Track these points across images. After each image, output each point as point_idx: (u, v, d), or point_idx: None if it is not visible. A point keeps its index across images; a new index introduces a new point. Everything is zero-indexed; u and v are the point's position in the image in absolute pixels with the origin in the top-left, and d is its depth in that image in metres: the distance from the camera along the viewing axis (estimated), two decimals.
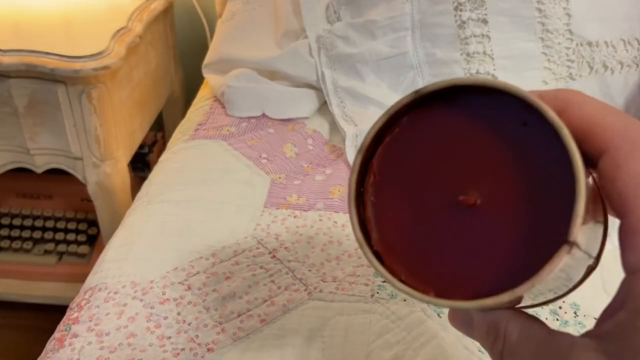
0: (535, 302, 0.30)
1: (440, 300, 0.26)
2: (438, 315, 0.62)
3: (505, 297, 0.25)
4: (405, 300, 0.65)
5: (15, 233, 1.27)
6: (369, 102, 0.92)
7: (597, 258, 0.30)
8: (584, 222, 0.25)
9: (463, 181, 0.28)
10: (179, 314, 0.63)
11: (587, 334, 0.26)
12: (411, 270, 0.28)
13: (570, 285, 0.30)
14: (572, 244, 0.24)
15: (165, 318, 0.62)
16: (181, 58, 1.39)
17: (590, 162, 0.27)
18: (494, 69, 0.87)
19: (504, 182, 0.27)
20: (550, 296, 0.30)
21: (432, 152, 0.29)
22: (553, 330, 0.27)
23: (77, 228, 1.27)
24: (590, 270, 0.30)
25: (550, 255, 0.24)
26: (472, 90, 0.28)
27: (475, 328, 0.30)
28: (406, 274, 0.28)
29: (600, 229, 0.29)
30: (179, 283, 0.66)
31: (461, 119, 0.28)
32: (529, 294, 0.25)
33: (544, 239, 0.25)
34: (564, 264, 0.25)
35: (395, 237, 0.29)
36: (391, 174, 0.30)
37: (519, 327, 0.28)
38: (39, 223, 1.28)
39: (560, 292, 0.30)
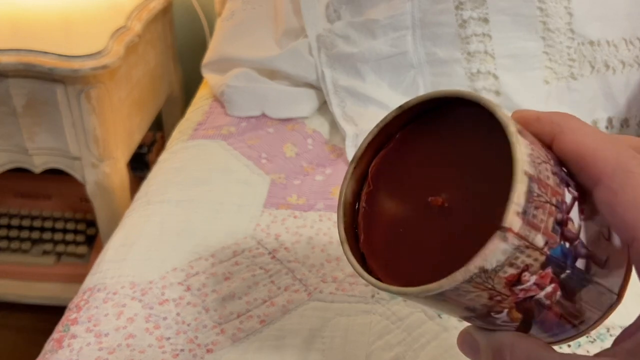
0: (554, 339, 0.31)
1: (393, 287, 0.28)
2: (439, 316, 0.62)
3: (444, 282, 0.26)
4: (405, 300, 0.64)
5: (13, 233, 1.27)
6: (369, 101, 0.92)
7: (619, 295, 0.31)
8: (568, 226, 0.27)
9: (437, 186, 0.30)
10: (178, 314, 0.63)
11: (603, 354, 0.26)
12: (386, 268, 0.30)
13: (593, 320, 0.31)
14: (507, 230, 0.25)
15: (165, 319, 0.62)
16: (180, 57, 1.39)
17: (586, 193, 0.28)
18: (495, 68, 0.87)
19: (468, 184, 0.29)
20: (573, 332, 0.31)
21: (417, 162, 0.32)
22: (563, 354, 0.27)
23: (76, 228, 1.27)
24: (611, 306, 0.31)
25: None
26: (454, 101, 0.30)
27: (481, 354, 0.30)
28: (382, 271, 0.30)
29: (622, 266, 0.30)
30: (178, 283, 0.66)
31: (444, 130, 0.31)
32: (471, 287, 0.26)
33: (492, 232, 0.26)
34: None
35: (378, 239, 0.32)
36: (383, 184, 0.33)
37: (525, 353, 0.28)
38: (37, 223, 1.27)
39: (583, 328, 0.31)
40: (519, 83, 0.86)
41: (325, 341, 0.60)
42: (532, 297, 0.28)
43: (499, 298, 0.27)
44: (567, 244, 0.28)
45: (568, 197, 0.28)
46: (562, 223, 0.28)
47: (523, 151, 0.26)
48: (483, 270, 0.25)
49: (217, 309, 0.63)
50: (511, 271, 0.26)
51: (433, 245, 0.29)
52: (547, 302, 0.28)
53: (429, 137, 0.32)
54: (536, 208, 0.26)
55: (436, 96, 0.30)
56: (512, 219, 0.25)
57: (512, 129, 0.27)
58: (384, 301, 0.64)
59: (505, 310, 0.28)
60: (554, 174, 0.27)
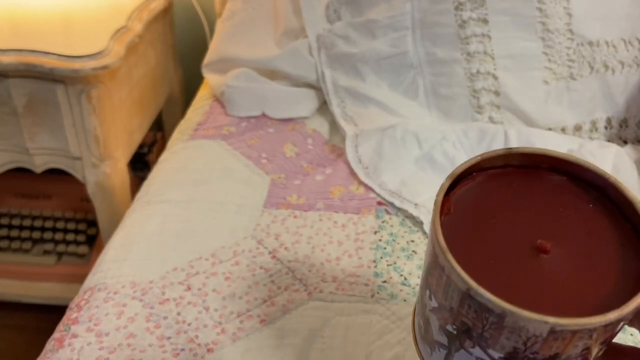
0: None
1: (550, 318, 0.27)
2: None
3: (595, 320, 0.27)
4: (405, 300, 0.65)
5: (14, 233, 1.27)
6: (369, 101, 0.92)
7: None
8: None
9: (535, 232, 0.31)
10: (178, 314, 0.63)
11: None
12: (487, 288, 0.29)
13: None
14: None
15: (165, 318, 0.62)
16: (181, 57, 1.39)
17: None
18: (495, 69, 0.87)
19: (575, 238, 0.31)
20: None
21: (505, 203, 0.33)
22: None
23: (77, 228, 1.27)
24: None
25: (628, 297, 0.27)
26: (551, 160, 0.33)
27: None
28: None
29: None
30: (179, 283, 0.66)
31: (534, 184, 0.34)
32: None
33: (617, 289, 0.28)
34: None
35: (465, 261, 0.31)
36: (467, 210, 0.33)
37: None
38: (38, 223, 1.28)
39: None
40: (518, 83, 0.86)
41: (325, 341, 0.60)
42: (590, 355, 0.29)
43: (585, 352, 0.28)
44: None
45: None
46: None
47: None
48: (622, 319, 0.27)
49: (217, 309, 0.63)
50: (619, 327, 0.28)
51: (522, 278, 0.30)
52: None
53: (520, 183, 0.33)
54: None
55: (549, 154, 0.33)
56: None
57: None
58: (383, 301, 0.65)
59: None
60: None
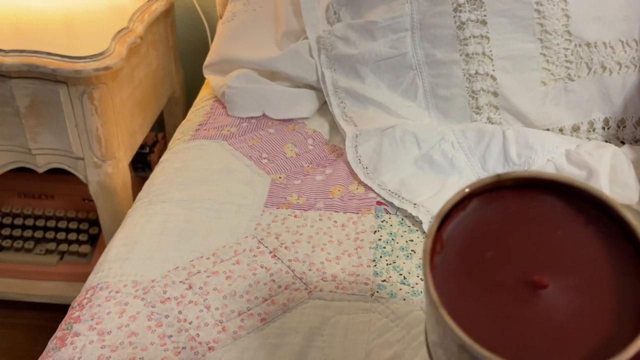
0: None
1: None
2: None
3: None
4: (404, 299, 0.65)
5: (16, 233, 1.27)
6: (368, 102, 0.92)
7: None
8: None
9: (532, 264, 0.30)
10: (180, 312, 0.63)
11: None
12: (483, 339, 0.28)
13: None
14: None
15: (167, 317, 0.63)
16: (182, 59, 1.39)
17: None
18: (493, 70, 0.87)
19: (573, 269, 0.29)
20: None
21: (499, 233, 0.31)
22: None
23: (79, 228, 1.28)
24: None
25: (630, 338, 0.26)
26: (543, 183, 0.31)
27: None
28: (479, 340, 0.28)
29: None
30: (180, 282, 0.67)
31: (530, 206, 0.31)
32: None
33: (620, 328, 0.26)
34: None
35: (460, 306, 0.30)
36: (459, 247, 0.31)
37: None
38: (40, 223, 1.28)
39: None
40: (516, 84, 0.87)
41: (325, 339, 0.61)
42: None
43: None
44: None
45: None
46: None
47: None
48: None
49: (218, 307, 0.64)
50: None
51: (532, 321, 0.28)
52: None
53: (510, 212, 0.32)
54: None
55: (538, 177, 0.31)
56: None
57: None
58: (383, 300, 0.65)
59: None
60: None
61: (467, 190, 0.32)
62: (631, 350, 0.25)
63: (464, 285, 0.30)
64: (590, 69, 0.86)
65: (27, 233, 1.27)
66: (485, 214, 0.32)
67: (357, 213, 0.78)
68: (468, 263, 0.31)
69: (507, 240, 0.31)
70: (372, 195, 0.81)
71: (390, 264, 0.70)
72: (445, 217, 0.32)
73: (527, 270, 0.29)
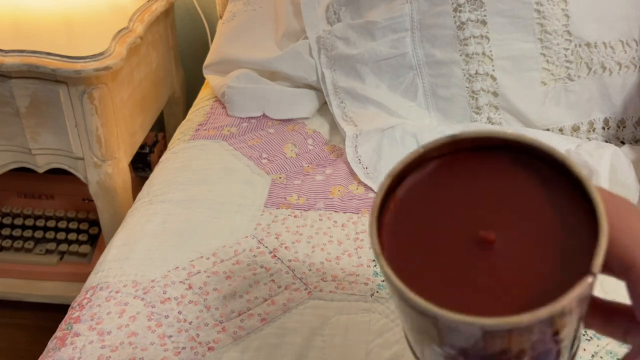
0: None
1: (456, 315, 0.26)
2: None
3: (525, 319, 0.25)
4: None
5: (16, 233, 1.27)
6: (368, 102, 0.92)
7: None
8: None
9: (482, 221, 0.30)
10: (180, 313, 0.63)
11: None
12: (424, 290, 0.28)
13: None
14: (594, 276, 0.26)
15: (166, 317, 0.63)
16: (182, 59, 1.39)
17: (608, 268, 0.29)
18: (493, 70, 0.87)
19: (518, 225, 0.29)
20: None
21: (452, 194, 0.31)
22: None
23: (79, 228, 1.27)
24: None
25: (573, 283, 0.26)
26: (499, 141, 0.31)
27: None
28: (420, 292, 0.28)
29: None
30: (180, 282, 0.67)
31: (485, 167, 0.31)
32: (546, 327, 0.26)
33: (564, 275, 0.26)
34: (581, 298, 0.26)
35: (407, 262, 0.30)
36: (411, 207, 0.31)
37: None
38: (40, 223, 1.28)
39: None
40: (516, 84, 0.87)
41: (325, 339, 0.61)
42: (550, 350, 0.29)
43: (538, 345, 0.27)
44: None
45: None
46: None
47: (603, 208, 0.27)
48: (561, 314, 0.26)
49: (218, 308, 0.64)
50: (567, 319, 0.27)
51: (477, 276, 0.28)
52: (554, 357, 0.29)
53: (467, 172, 0.32)
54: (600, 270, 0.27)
55: (492, 135, 0.31)
56: (597, 268, 0.26)
57: (594, 188, 0.28)
58: (383, 300, 0.65)
59: (525, 358, 0.28)
60: None
61: (421, 150, 0.32)
62: (564, 301, 0.25)
63: (412, 244, 0.30)
64: (590, 69, 0.86)
65: (27, 233, 1.27)
66: (441, 176, 0.32)
67: (357, 213, 0.78)
68: (418, 223, 0.31)
69: (459, 200, 0.31)
70: (372, 195, 0.81)
71: None
72: (402, 178, 0.32)
73: (476, 228, 0.29)
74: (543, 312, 0.25)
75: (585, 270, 0.26)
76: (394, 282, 0.27)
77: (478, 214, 0.30)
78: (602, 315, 0.33)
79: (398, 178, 0.31)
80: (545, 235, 0.28)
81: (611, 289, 0.35)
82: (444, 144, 0.32)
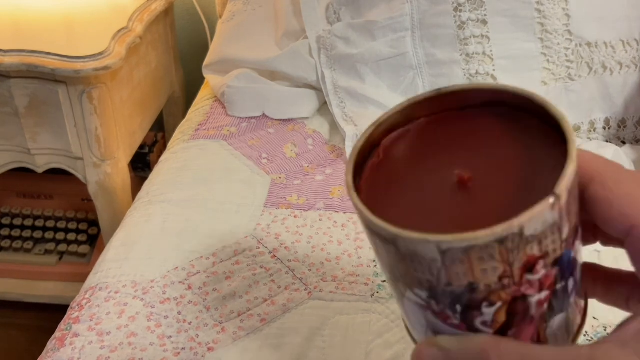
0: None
1: (421, 234, 0.26)
2: None
3: (480, 234, 0.25)
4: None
5: (15, 233, 1.27)
6: (368, 102, 0.92)
7: (573, 340, 0.32)
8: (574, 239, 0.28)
9: (462, 165, 0.30)
10: (179, 313, 0.63)
11: (605, 341, 0.26)
12: (391, 220, 0.28)
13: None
14: (558, 197, 0.25)
15: (166, 317, 0.62)
16: (182, 58, 1.39)
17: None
18: (494, 70, 0.87)
19: (500, 167, 0.29)
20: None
21: (436, 145, 0.32)
22: (559, 347, 0.27)
23: (78, 228, 1.27)
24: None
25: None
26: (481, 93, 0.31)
27: None
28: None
29: (579, 317, 0.32)
30: (180, 282, 0.66)
31: (470, 122, 0.32)
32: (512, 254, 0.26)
33: (532, 201, 0.26)
34: (544, 221, 0.26)
35: (380, 198, 0.30)
36: (393, 155, 0.32)
37: (517, 353, 0.27)
38: (39, 223, 1.28)
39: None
40: (517, 84, 0.85)
41: (325, 340, 0.60)
42: (527, 297, 0.28)
43: (506, 282, 0.27)
44: (573, 253, 0.29)
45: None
46: (576, 232, 0.29)
47: (576, 143, 0.27)
48: (520, 234, 0.25)
49: (218, 308, 0.64)
50: (536, 251, 0.26)
51: (451, 212, 0.29)
52: (534, 311, 0.28)
53: (450, 124, 0.32)
54: (573, 199, 0.27)
55: (467, 88, 0.31)
56: (562, 191, 0.26)
57: (569, 125, 0.28)
58: (383, 300, 0.65)
59: (498, 305, 0.28)
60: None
61: (405, 103, 0.32)
62: (524, 217, 0.25)
63: (389, 185, 0.31)
64: (591, 68, 0.86)
65: (26, 233, 1.27)
66: (426, 131, 0.32)
67: None
68: (398, 169, 0.31)
69: (441, 150, 0.31)
70: None
71: None
72: (388, 131, 0.32)
73: (454, 172, 0.29)
74: (498, 228, 0.25)
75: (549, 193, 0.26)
76: (360, 210, 0.28)
77: (458, 160, 0.30)
78: (604, 283, 0.33)
79: (384, 130, 0.32)
80: (522, 176, 0.28)
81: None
82: (429, 98, 0.32)
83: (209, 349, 0.59)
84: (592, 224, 0.30)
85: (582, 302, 0.32)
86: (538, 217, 0.25)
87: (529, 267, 0.27)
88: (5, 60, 0.94)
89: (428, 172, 0.31)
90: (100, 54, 0.96)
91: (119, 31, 1.02)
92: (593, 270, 0.33)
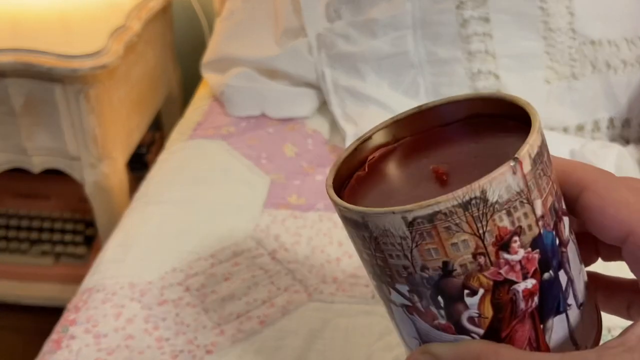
0: None
1: (380, 208, 0.26)
2: None
3: (442, 198, 0.25)
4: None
5: (12, 234, 1.27)
6: (369, 101, 0.92)
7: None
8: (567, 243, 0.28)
9: (438, 162, 0.31)
10: (177, 315, 0.63)
11: (609, 346, 0.26)
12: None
13: None
14: (518, 161, 0.26)
15: (164, 319, 0.62)
16: (179, 57, 1.39)
17: (569, 206, 0.30)
18: (496, 68, 0.87)
19: (473, 162, 0.30)
20: None
21: (418, 158, 0.32)
22: (560, 354, 0.26)
23: (75, 229, 1.27)
24: None
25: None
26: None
27: None
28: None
29: (594, 327, 0.31)
30: (178, 284, 0.66)
31: (450, 133, 0.33)
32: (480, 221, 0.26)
33: None
34: (507, 186, 0.26)
35: (358, 194, 0.31)
36: (379, 172, 0.33)
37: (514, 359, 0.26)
38: (35, 224, 1.27)
39: None
40: (520, 83, 0.86)
41: (326, 342, 0.60)
42: (511, 285, 0.27)
43: (482, 260, 0.26)
44: (558, 241, 0.28)
45: (563, 205, 0.29)
46: (557, 213, 0.28)
47: (539, 118, 0.28)
48: (484, 199, 0.25)
49: (216, 310, 0.63)
50: (507, 222, 0.26)
51: (409, 197, 0.29)
52: (523, 305, 0.27)
53: (437, 140, 0.33)
54: (542, 173, 0.27)
55: (454, 99, 0.32)
56: (525, 156, 0.26)
57: (533, 108, 0.29)
58: None
59: (480, 292, 0.27)
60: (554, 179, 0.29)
61: (389, 121, 0.33)
62: (483, 181, 0.25)
63: (370, 194, 0.31)
64: (594, 67, 0.86)
65: (23, 234, 1.27)
66: (410, 147, 0.33)
67: None
68: (381, 182, 0.32)
69: (422, 159, 0.32)
70: None
71: None
72: (373, 148, 0.34)
73: (429, 170, 0.30)
74: (460, 191, 0.25)
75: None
76: (334, 200, 0.28)
77: (437, 161, 0.31)
78: (604, 291, 0.33)
79: (370, 147, 0.33)
80: (488, 162, 0.28)
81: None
82: (411, 115, 0.33)
83: (208, 352, 0.59)
84: (591, 239, 0.30)
85: (595, 314, 0.31)
86: (499, 180, 0.25)
87: (504, 243, 0.26)
88: (1, 58, 0.94)
89: (408, 176, 0.32)
90: (97, 52, 0.95)
91: (116, 29, 1.02)
92: (593, 279, 0.33)
